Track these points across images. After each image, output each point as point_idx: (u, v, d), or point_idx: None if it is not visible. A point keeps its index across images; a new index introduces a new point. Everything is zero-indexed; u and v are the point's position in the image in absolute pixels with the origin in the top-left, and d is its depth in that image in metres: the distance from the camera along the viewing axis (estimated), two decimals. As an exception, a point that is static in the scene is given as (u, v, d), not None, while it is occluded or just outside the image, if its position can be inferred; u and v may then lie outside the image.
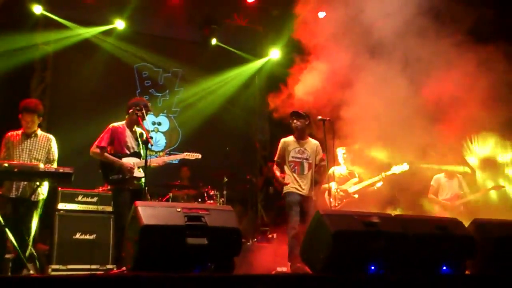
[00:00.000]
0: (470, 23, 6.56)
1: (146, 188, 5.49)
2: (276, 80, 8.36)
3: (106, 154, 5.61)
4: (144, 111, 5.68)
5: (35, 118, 5.37)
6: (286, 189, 6.25)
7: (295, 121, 6.37)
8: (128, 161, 5.64)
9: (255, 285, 3.56)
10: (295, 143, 6.40)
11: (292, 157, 6.34)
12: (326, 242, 4.19)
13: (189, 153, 6.43)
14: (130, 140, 5.77)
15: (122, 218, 5.36)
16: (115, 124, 5.83)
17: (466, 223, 4.93)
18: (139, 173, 5.64)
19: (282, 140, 6.49)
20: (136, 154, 5.74)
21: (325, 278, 4.03)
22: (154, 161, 5.87)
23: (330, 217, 4.36)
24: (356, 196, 6.99)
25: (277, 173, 6.39)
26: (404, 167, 6.91)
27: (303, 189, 6.22)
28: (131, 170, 5.57)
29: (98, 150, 5.62)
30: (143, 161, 5.57)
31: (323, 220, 4.31)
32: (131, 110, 5.75)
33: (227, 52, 11.01)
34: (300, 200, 6.17)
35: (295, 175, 6.26)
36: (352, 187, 7.05)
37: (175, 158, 6.54)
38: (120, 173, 5.56)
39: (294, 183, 6.23)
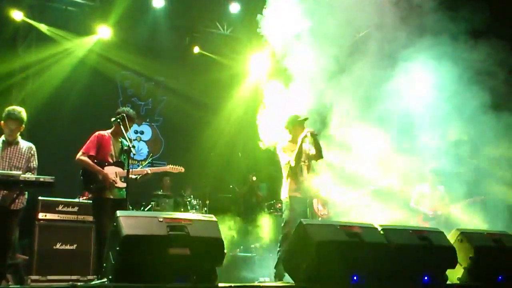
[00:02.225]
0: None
1: (127, 197, 5.43)
2: (260, 89, 8.36)
3: (92, 163, 5.55)
4: (127, 121, 5.61)
5: (18, 126, 5.29)
6: None
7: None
8: (111, 170, 5.59)
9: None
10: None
11: None
12: (309, 252, 4.19)
13: (172, 166, 6.41)
14: (114, 149, 5.73)
15: (102, 228, 5.30)
16: (101, 132, 5.79)
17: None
18: (121, 183, 5.59)
19: None
20: (119, 164, 5.69)
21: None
22: (135, 172, 5.80)
23: (313, 227, 4.37)
24: (345, 206, 7.07)
25: None
26: (392, 179, 6.98)
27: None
28: (113, 181, 5.52)
29: (85, 158, 5.56)
30: (125, 171, 5.51)
31: (306, 230, 4.31)
32: (114, 119, 5.69)
33: (211, 60, 11.00)
34: None
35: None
36: (340, 196, 7.13)
37: (158, 170, 6.48)
38: (102, 183, 5.50)
39: None
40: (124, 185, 5.51)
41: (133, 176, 5.65)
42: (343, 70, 7.10)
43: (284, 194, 6.06)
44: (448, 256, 4.70)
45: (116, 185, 5.54)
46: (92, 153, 5.57)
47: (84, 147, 5.62)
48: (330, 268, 4.23)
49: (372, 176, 7.22)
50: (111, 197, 5.51)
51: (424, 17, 6.96)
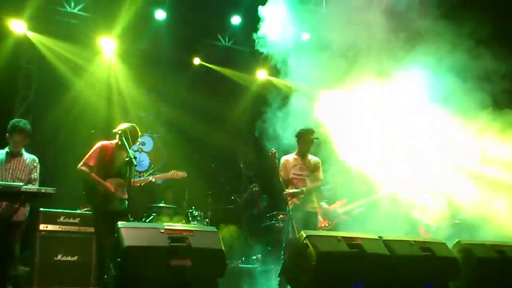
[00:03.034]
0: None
1: (128, 209, 5.44)
2: (262, 101, 8.40)
3: (92, 174, 5.55)
4: (130, 138, 5.63)
5: (24, 138, 5.34)
6: None
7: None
8: (112, 181, 5.60)
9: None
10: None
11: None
12: (310, 264, 4.17)
13: (174, 172, 6.42)
14: (117, 160, 5.72)
15: (103, 240, 5.32)
16: (105, 142, 5.80)
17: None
18: (122, 194, 5.59)
19: None
20: (121, 175, 5.68)
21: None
22: (138, 182, 5.82)
23: (314, 238, 4.35)
24: (346, 217, 7.05)
25: None
26: (392, 190, 6.97)
27: None
28: (114, 193, 5.53)
29: (86, 169, 5.58)
30: (125, 182, 5.52)
31: (308, 241, 4.30)
32: (119, 133, 5.70)
33: (212, 72, 11.04)
34: None
35: None
36: (341, 207, 7.11)
37: (161, 177, 6.49)
38: (103, 196, 5.50)
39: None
40: (125, 196, 5.52)
41: (137, 185, 5.67)
42: (343, 79, 7.15)
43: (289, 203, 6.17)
44: (451, 268, 4.68)
45: (117, 196, 5.54)
46: (92, 163, 5.58)
47: (85, 157, 5.63)
48: (332, 280, 4.21)
49: (373, 186, 7.21)
50: (112, 209, 5.51)
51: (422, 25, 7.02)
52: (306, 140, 6.35)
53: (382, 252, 4.49)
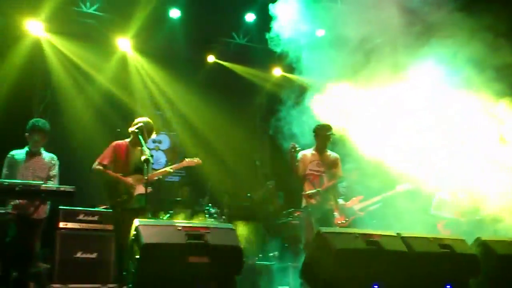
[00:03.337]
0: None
1: (147, 206, 5.47)
2: (276, 98, 8.40)
3: (109, 171, 5.61)
4: (146, 133, 5.65)
5: (43, 137, 5.41)
6: None
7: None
8: (132, 178, 5.65)
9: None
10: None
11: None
12: (328, 261, 4.17)
13: (189, 160, 6.42)
14: (132, 158, 5.77)
15: (123, 237, 5.36)
16: (119, 142, 5.84)
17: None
18: (141, 188, 5.64)
19: None
20: (138, 171, 5.73)
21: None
22: (156, 174, 5.86)
23: (332, 235, 4.34)
24: (362, 213, 7.02)
25: None
26: (408, 186, 6.91)
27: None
28: (133, 187, 5.57)
29: (100, 167, 5.62)
30: (144, 177, 5.55)
31: (325, 238, 4.29)
32: (132, 130, 5.74)
33: (227, 70, 11.05)
34: None
35: None
36: (358, 204, 7.08)
37: (177, 167, 6.46)
38: (124, 193, 5.56)
39: None
40: (145, 190, 5.56)
41: (155, 178, 5.71)
42: (359, 75, 7.12)
43: (303, 202, 6.12)
44: (470, 265, 4.63)
45: (137, 192, 5.58)
46: (106, 162, 5.63)
47: (100, 157, 5.68)
48: (350, 277, 4.20)
49: (390, 182, 7.16)
50: (132, 206, 5.56)
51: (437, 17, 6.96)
52: (322, 135, 6.28)
53: (400, 249, 4.46)
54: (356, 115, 7.16)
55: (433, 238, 4.78)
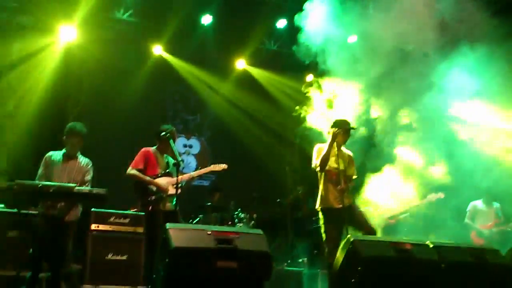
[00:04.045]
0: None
1: (178, 209, 5.57)
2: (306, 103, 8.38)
3: (142, 175, 5.85)
4: (171, 137, 5.86)
5: (80, 141, 5.53)
6: None
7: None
8: (163, 180, 5.86)
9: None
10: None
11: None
12: (357, 269, 4.13)
13: (215, 165, 6.47)
14: (161, 163, 6.02)
15: (154, 240, 5.47)
16: (147, 148, 6.11)
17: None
18: (173, 190, 5.75)
19: None
20: (168, 174, 5.89)
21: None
22: (184, 177, 5.96)
23: (361, 243, 4.30)
24: (393, 221, 6.93)
25: None
26: (440, 195, 6.80)
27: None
28: (166, 189, 5.76)
29: (135, 172, 5.89)
30: (174, 178, 5.71)
31: (354, 246, 4.25)
32: (163, 134, 5.87)
33: (258, 75, 11.09)
34: None
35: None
36: (388, 212, 6.99)
37: (203, 172, 6.52)
38: (156, 194, 5.68)
39: None
40: (175, 192, 5.68)
41: (183, 184, 5.82)
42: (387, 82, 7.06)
43: (317, 204, 5.74)
44: (504, 276, 4.51)
45: (169, 193, 5.73)
46: (141, 166, 5.88)
47: (133, 162, 5.84)
48: (378, 286, 4.15)
49: (421, 190, 7.05)
50: (163, 209, 5.67)
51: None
52: (346, 130, 5.79)
53: (432, 258, 4.39)
54: (385, 122, 7.10)
55: (465, 247, 4.68)
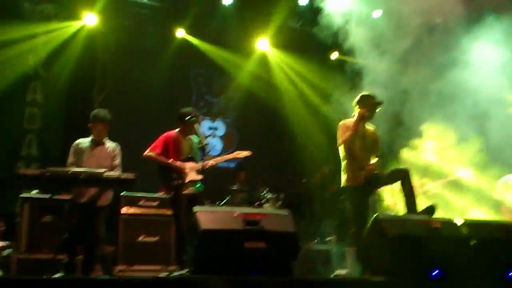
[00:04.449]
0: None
1: (201, 192, 5.66)
2: (332, 82, 8.33)
3: (158, 156, 5.78)
4: (196, 121, 5.86)
5: (105, 127, 5.62)
6: None
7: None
8: (186, 164, 5.82)
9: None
10: None
11: None
12: (385, 247, 4.13)
13: (237, 152, 6.46)
14: (184, 147, 5.94)
15: (180, 222, 5.59)
16: (169, 132, 6.04)
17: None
18: (195, 175, 5.79)
19: None
20: (191, 159, 5.89)
21: (384, 283, 3.97)
22: (205, 164, 5.97)
23: (389, 221, 4.30)
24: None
25: None
26: (468, 172, 6.69)
27: None
28: (184, 171, 5.76)
29: (151, 153, 5.82)
30: (198, 164, 5.74)
31: (382, 224, 4.25)
32: (185, 119, 5.88)
33: (280, 56, 11.01)
34: None
35: None
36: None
37: (225, 158, 6.55)
38: (179, 178, 5.73)
39: None
40: (199, 177, 5.70)
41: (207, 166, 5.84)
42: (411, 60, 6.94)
43: (342, 182, 5.60)
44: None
45: (191, 178, 5.74)
46: (158, 151, 5.81)
47: (151, 146, 5.89)
48: (408, 263, 4.15)
49: (449, 166, 6.96)
50: (187, 192, 5.73)
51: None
52: (369, 105, 5.55)
53: (461, 235, 4.36)
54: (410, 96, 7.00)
55: (496, 223, 4.64)
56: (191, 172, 5.80)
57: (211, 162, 5.89)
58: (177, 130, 6.04)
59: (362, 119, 5.45)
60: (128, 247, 6.94)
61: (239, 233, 3.93)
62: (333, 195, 9.24)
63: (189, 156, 5.91)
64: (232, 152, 6.59)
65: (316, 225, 9.60)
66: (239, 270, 3.84)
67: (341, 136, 5.49)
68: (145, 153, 5.87)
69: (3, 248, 7.03)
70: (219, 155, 10.26)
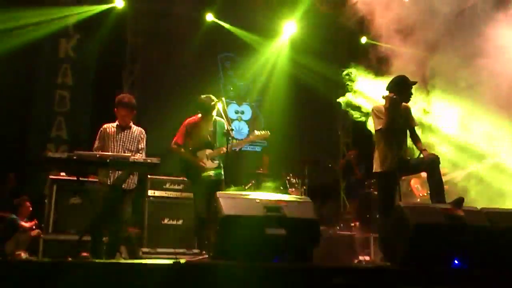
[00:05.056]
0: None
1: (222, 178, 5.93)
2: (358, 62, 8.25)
3: (182, 151, 6.10)
4: (214, 107, 6.00)
5: (130, 112, 5.70)
6: None
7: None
8: (201, 155, 6.05)
9: (333, 277, 3.58)
10: None
11: None
12: (406, 235, 4.12)
13: (255, 134, 6.43)
14: (203, 133, 6.14)
15: (198, 208, 5.89)
16: (190, 119, 6.23)
17: None
18: (211, 163, 5.96)
19: None
20: (209, 145, 6.06)
21: (406, 271, 3.97)
22: (221, 150, 6.04)
23: (411, 209, 4.27)
24: (447, 187, 6.76)
25: None
26: (495, 159, 6.54)
27: None
28: (203, 166, 5.99)
29: (175, 147, 6.14)
30: (215, 151, 5.99)
31: (403, 212, 4.23)
32: (203, 106, 6.07)
33: (309, 38, 10.91)
34: None
35: None
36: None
37: (244, 143, 6.58)
38: (195, 170, 6.00)
39: None
40: (214, 165, 5.95)
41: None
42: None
43: (374, 167, 5.50)
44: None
45: (206, 167, 5.98)
46: (180, 141, 6.11)
47: (175, 136, 6.15)
48: (429, 252, 4.13)
49: (475, 155, 6.81)
50: (207, 179, 5.93)
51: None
52: (402, 88, 5.41)
53: (484, 224, 4.30)
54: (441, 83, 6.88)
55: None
56: (207, 160, 6.00)
57: (223, 150, 5.95)
58: (198, 116, 6.16)
59: (394, 104, 5.35)
60: (153, 229, 7.10)
61: (260, 220, 3.97)
62: (358, 181, 9.23)
63: (208, 141, 6.06)
64: (248, 137, 6.68)
65: (341, 210, 9.61)
66: (260, 256, 3.89)
67: (377, 122, 5.41)
68: (171, 145, 6.17)
69: (31, 228, 7.28)
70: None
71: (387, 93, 5.40)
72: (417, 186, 6.39)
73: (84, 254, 5.36)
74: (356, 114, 7.21)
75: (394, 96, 5.31)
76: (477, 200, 6.22)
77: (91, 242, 5.36)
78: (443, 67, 7.19)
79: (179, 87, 9.98)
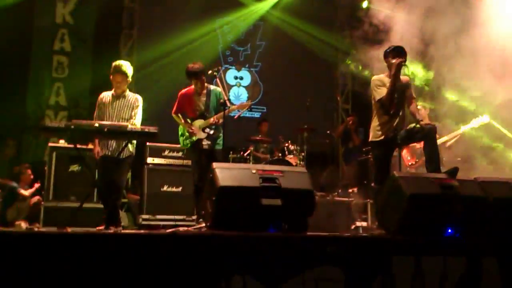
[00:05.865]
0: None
1: (217, 148, 6.07)
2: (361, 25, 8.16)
3: (179, 119, 6.26)
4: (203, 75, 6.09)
5: (125, 79, 5.66)
6: None
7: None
8: (196, 124, 6.13)
9: (327, 246, 3.65)
10: None
11: None
12: (401, 205, 4.17)
13: (237, 105, 6.46)
14: (197, 103, 6.19)
15: (194, 176, 6.04)
16: (183, 90, 6.30)
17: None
18: (202, 134, 6.06)
19: None
20: (202, 116, 6.13)
21: (400, 240, 4.04)
22: (209, 122, 6.08)
23: (405, 179, 4.31)
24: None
25: None
26: (484, 119, 6.44)
27: None
28: (192, 133, 6.07)
29: (174, 117, 6.30)
30: (206, 121, 6.05)
31: (398, 182, 4.27)
32: (193, 76, 6.09)
33: (307, 6, 10.76)
34: None
35: None
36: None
37: (229, 111, 6.57)
38: (188, 138, 6.13)
39: None
40: (204, 135, 6.04)
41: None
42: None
43: (370, 136, 5.53)
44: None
45: (198, 136, 6.07)
46: (176, 111, 6.25)
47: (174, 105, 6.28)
48: (423, 221, 4.19)
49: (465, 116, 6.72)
50: (203, 148, 6.06)
51: None
52: (403, 56, 5.31)
53: (478, 194, 4.34)
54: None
55: (512, 182, 4.59)
56: (198, 130, 6.06)
57: (211, 120, 5.98)
58: (191, 87, 6.18)
59: (399, 69, 5.27)
60: (153, 196, 7.18)
61: (256, 190, 4.00)
62: (356, 147, 9.26)
63: (202, 112, 6.11)
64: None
65: (339, 176, 9.68)
66: (256, 227, 3.95)
67: (377, 92, 5.36)
68: (172, 114, 6.32)
69: (32, 195, 7.37)
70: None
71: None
72: (406, 155, 6.38)
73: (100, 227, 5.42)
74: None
75: (402, 62, 5.22)
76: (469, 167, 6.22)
77: (107, 213, 5.48)
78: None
79: (177, 53, 9.89)
